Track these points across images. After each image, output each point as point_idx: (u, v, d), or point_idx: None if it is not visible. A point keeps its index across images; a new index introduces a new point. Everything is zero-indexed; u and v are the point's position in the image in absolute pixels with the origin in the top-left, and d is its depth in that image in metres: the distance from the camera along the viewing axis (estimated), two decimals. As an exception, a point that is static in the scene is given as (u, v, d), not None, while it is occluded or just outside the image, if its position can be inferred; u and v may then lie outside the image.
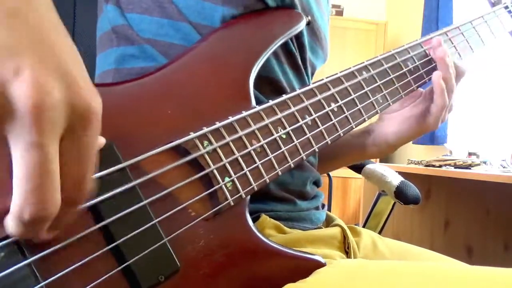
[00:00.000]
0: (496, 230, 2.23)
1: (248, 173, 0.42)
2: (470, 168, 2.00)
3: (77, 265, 0.32)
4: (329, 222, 0.62)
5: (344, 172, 0.86)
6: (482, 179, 1.74)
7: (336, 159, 0.73)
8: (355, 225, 0.67)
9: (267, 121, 0.45)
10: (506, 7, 0.79)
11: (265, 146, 0.44)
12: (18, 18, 0.25)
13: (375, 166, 1.04)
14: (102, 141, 0.33)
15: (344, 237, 0.58)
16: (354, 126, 0.52)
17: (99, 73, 0.57)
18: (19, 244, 0.30)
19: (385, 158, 3.44)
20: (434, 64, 0.63)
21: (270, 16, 0.52)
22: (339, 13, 3.64)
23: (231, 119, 0.43)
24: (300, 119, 0.47)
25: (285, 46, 0.55)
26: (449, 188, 2.28)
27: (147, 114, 0.40)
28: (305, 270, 0.43)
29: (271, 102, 0.46)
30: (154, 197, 0.37)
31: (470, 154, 2.29)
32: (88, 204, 0.33)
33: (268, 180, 0.44)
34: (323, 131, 0.49)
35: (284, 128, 0.46)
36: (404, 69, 0.60)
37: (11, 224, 0.26)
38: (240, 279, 0.40)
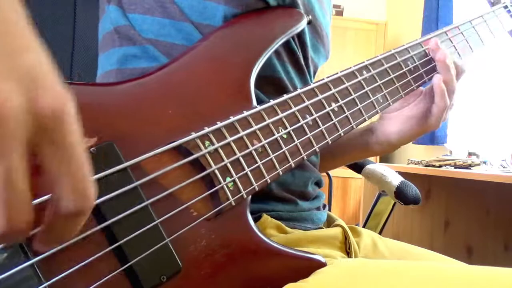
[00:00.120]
0: (496, 230, 2.23)
1: (249, 173, 0.42)
2: (470, 168, 2.00)
3: (79, 265, 0.32)
4: (330, 223, 0.62)
5: (344, 172, 0.86)
6: (482, 179, 1.74)
7: (338, 157, 0.73)
8: (355, 225, 0.67)
9: (268, 121, 0.45)
10: (506, 7, 0.79)
11: (266, 146, 0.44)
12: None
13: (375, 166, 1.04)
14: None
15: (345, 237, 0.58)
16: (354, 126, 0.52)
17: (101, 73, 0.57)
18: (22, 245, 0.30)
19: (385, 158, 3.45)
20: (434, 64, 0.63)
21: (271, 15, 0.52)
22: (339, 13, 3.64)
23: (232, 119, 0.43)
24: (301, 119, 0.47)
25: (287, 45, 0.55)
26: (449, 188, 2.28)
27: (148, 114, 0.40)
28: (306, 269, 0.43)
29: (272, 102, 0.46)
30: (156, 198, 0.37)
31: (470, 154, 2.29)
32: None
33: (269, 180, 0.44)
34: (324, 131, 0.49)
35: (285, 128, 0.46)
36: (404, 69, 0.60)
37: None
38: (241, 278, 0.40)
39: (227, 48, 0.48)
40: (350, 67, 0.54)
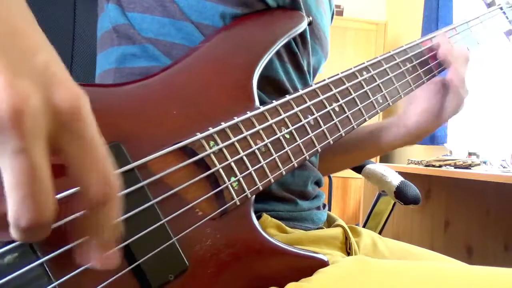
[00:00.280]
0: (496, 230, 2.24)
1: (253, 172, 0.43)
2: (470, 168, 2.01)
3: (87, 265, 0.32)
4: (330, 223, 0.63)
5: (344, 172, 0.86)
6: (482, 179, 1.74)
7: (354, 150, 0.73)
8: (355, 225, 0.67)
9: (271, 121, 0.45)
10: (501, 8, 0.80)
11: (269, 145, 0.45)
12: None
13: (375, 166, 1.04)
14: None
15: (346, 237, 0.58)
16: (355, 126, 0.52)
17: (99, 72, 0.57)
18: (32, 245, 0.30)
19: (385, 158, 3.45)
20: (431, 65, 0.64)
21: (272, 17, 0.52)
22: (339, 13, 3.64)
23: (236, 119, 0.43)
24: (302, 119, 0.48)
25: (288, 46, 0.55)
26: (449, 188, 2.28)
27: (152, 115, 0.41)
28: (309, 268, 0.43)
29: (275, 103, 0.46)
30: (162, 196, 0.37)
31: (470, 154, 2.29)
32: None
33: (272, 180, 0.44)
34: (325, 130, 0.49)
35: (288, 127, 0.46)
36: (403, 69, 0.60)
37: (12, 231, 0.25)
38: (245, 277, 0.41)
39: (229, 50, 0.48)
40: (351, 68, 0.54)
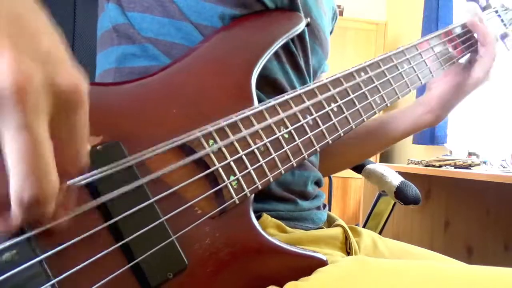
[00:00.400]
0: (496, 230, 2.23)
1: (252, 171, 0.43)
2: (470, 168, 2.00)
3: (87, 262, 0.32)
4: (330, 223, 0.63)
5: (344, 172, 0.86)
6: (482, 179, 1.74)
7: (369, 142, 0.75)
8: (355, 225, 0.67)
9: (270, 120, 0.45)
10: (496, 11, 0.80)
11: (269, 145, 0.45)
12: None
13: (375, 166, 1.04)
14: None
15: (346, 237, 0.58)
16: (354, 126, 0.52)
17: (99, 72, 0.57)
18: (31, 242, 0.30)
19: (385, 158, 3.45)
20: (428, 66, 0.65)
21: (270, 18, 0.53)
22: (339, 13, 3.62)
23: (235, 117, 0.43)
24: (301, 119, 0.48)
25: (286, 46, 0.55)
26: (449, 188, 2.28)
27: (152, 114, 0.41)
28: (308, 268, 0.43)
29: (273, 102, 0.46)
30: (161, 195, 0.37)
31: (470, 154, 2.29)
32: (97, 202, 0.34)
33: (271, 179, 0.44)
34: (324, 130, 0.49)
35: (286, 127, 0.46)
36: (400, 70, 0.60)
37: (14, 210, 0.26)
38: (244, 276, 0.41)
39: (228, 50, 0.48)
40: (349, 69, 0.55)
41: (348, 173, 0.87)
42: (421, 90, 0.66)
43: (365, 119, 0.54)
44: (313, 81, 0.62)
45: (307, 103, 0.49)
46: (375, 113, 0.56)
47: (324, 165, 0.65)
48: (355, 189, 3.50)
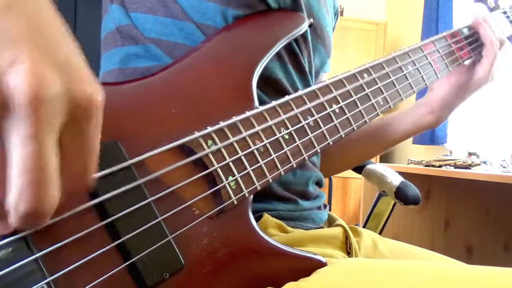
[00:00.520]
0: (496, 230, 2.23)
1: (251, 172, 0.43)
2: (470, 168, 2.00)
3: (83, 261, 0.32)
4: (331, 222, 0.63)
5: (344, 172, 0.86)
6: (482, 179, 1.74)
7: (370, 142, 0.75)
8: (355, 225, 0.68)
9: (270, 121, 0.45)
10: (505, 13, 0.80)
11: (268, 146, 0.45)
12: (15, 9, 0.24)
13: (375, 166, 1.04)
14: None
15: (346, 237, 0.59)
16: (355, 128, 0.52)
17: (103, 72, 0.57)
18: (27, 240, 0.30)
19: (385, 158, 3.45)
20: (432, 68, 0.65)
21: (273, 18, 0.52)
22: (339, 13, 3.64)
23: (235, 119, 0.43)
24: (302, 120, 0.48)
25: (288, 47, 0.55)
26: (449, 188, 2.28)
27: (151, 114, 0.41)
28: (306, 269, 0.43)
29: (274, 103, 0.46)
30: (159, 195, 0.37)
31: (470, 154, 2.29)
32: (94, 202, 0.34)
33: (271, 180, 0.44)
34: (325, 132, 0.49)
35: (287, 128, 0.46)
36: (404, 72, 0.60)
37: (11, 216, 0.25)
38: (242, 277, 0.41)
39: (230, 50, 0.48)
40: (351, 70, 0.54)
41: (348, 173, 0.88)
42: (421, 92, 0.66)
43: (367, 121, 0.54)
44: (315, 80, 0.62)
45: (308, 104, 0.48)
46: (377, 114, 0.56)
47: (324, 166, 0.65)
48: (355, 189, 3.50)
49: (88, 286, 0.32)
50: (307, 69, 0.58)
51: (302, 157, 0.47)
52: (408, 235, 2.29)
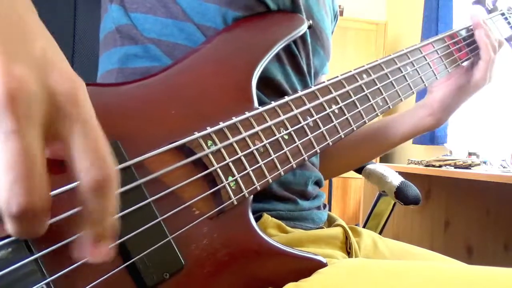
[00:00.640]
0: (496, 230, 2.23)
1: (251, 172, 0.43)
2: (470, 168, 2.00)
3: (82, 261, 0.32)
4: (330, 222, 0.63)
5: (344, 172, 0.86)
6: (482, 179, 1.74)
7: (368, 145, 0.75)
8: (355, 225, 0.67)
9: (269, 122, 0.45)
10: (503, 14, 0.80)
11: (268, 146, 0.45)
12: None
13: (375, 166, 1.04)
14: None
15: (346, 237, 0.58)
16: (355, 128, 0.52)
17: (102, 72, 0.57)
18: (27, 240, 0.30)
19: (385, 158, 3.45)
20: (431, 69, 0.65)
21: (272, 20, 0.52)
22: (339, 13, 3.64)
23: (234, 119, 0.43)
24: (301, 120, 0.48)
25: (287, 48, 0.55)
26: (449, 188, 2.28)
27: (151, 114, 0.41)
28: (307, 270, 0.43)
29: (273, 104, 0.46)
30: (158, 195, 0.37)
31: (470, 154, 2.29)
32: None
33: (270, 180, 0.44)
34: (325, 132, 0.49)
35: (286, 128, 0.46)
36: (403, 73, 0.60)
37: (6, 223, 0.25)
38: (242, 278, 0.41)
39: (230, 51, 0.48)
40: (350, 71, 0.55)
41: (348, 173, 0.88)
42: (421, 94, 0.66)
43: (367, 121, 0.54)
44: (314, 82, 0.62)
45: (308, 105, 0.49)
46: (377, 115, 0.56)
47: (324, 169, 0.65)
48: (355, 189, 3.50)
49: (88, 286, 0.32)
50: (305, 71, 0.58)
51: (302, 157, 0.47)
52: (408, 235, 2.29)
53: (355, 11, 3.72)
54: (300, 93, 0.49)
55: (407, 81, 0.60)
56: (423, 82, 0.63)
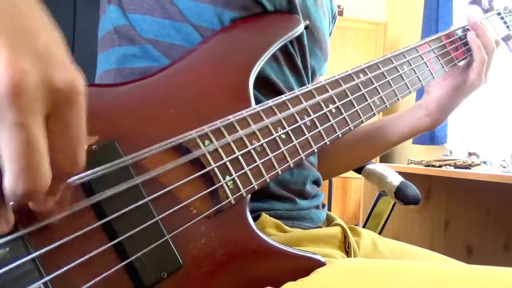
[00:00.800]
0: (496, 230, 2.23)
1: (248, 172, 0.43)
2: (470, 168, 2.00)
3: (80, 260, 0.32)
4: (329, 222, 0.63)
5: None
6: (482, 179, 1.74)
7: (365, 145, 0.75)
8: (355, 225, 0.67)
9: (266, 121, 0.45)
10: (499, 14, 0.80)
11: (265, 145, 0.45)
12: None
13: (375, 166, 1.04)
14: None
15: (345, 236, 0.58)
16: (352, 128, 0.52)
17: (100, 72, 0.57)
18: (24, 239, 0.30)
19: (385, 158, 3.45)
20: (428, 69, 0.65)
21: (269, 20, 0.53)
22: (339, 13, 3.64)
23: (231, 118, 0.43)
24: (299, 120, 0.48)
25: (284, 48, 0.55)
26: (449, 188, 2.28)
27: (149, 114, 0.41)
28: (305, 269, 0.43)
29: (270, 103, 0.46)
30: (156, 194, 0.37)
31: (470, 154, 2.28)
32: (91, 201, 0.34)
33: (268, 179, 0.44)
34: (322, 131, 0.49)
35: (284, 128, 0.46)
36: (400, 72, 0.60)
37: (7, 193, 0.26)
38: (240, 277, 0.41)
39: (227, 52, 0.49)
40: (347, 71, 0.55)
41: (348, 173, 0.88)
42: (421, 94, 0.66)
43: (364, 120, 0.54)
44: (311, 82, 0.62)
45: (305, 104, 0.49)
46: (374, 114, 0.56)
47: (322, 168, 0.65)
48: (355, 189, 3.50)
49: (86, 285, 0.32)
50: (302, 71, 0.58)
51: (299, 156, 0.47)
52: (408, 235, 2.29)
53: (355, 11, 3.72)
54: (297, 92, 0.49)
55: (404, 80, 0.60)
56: (420, 81, 0.63)
